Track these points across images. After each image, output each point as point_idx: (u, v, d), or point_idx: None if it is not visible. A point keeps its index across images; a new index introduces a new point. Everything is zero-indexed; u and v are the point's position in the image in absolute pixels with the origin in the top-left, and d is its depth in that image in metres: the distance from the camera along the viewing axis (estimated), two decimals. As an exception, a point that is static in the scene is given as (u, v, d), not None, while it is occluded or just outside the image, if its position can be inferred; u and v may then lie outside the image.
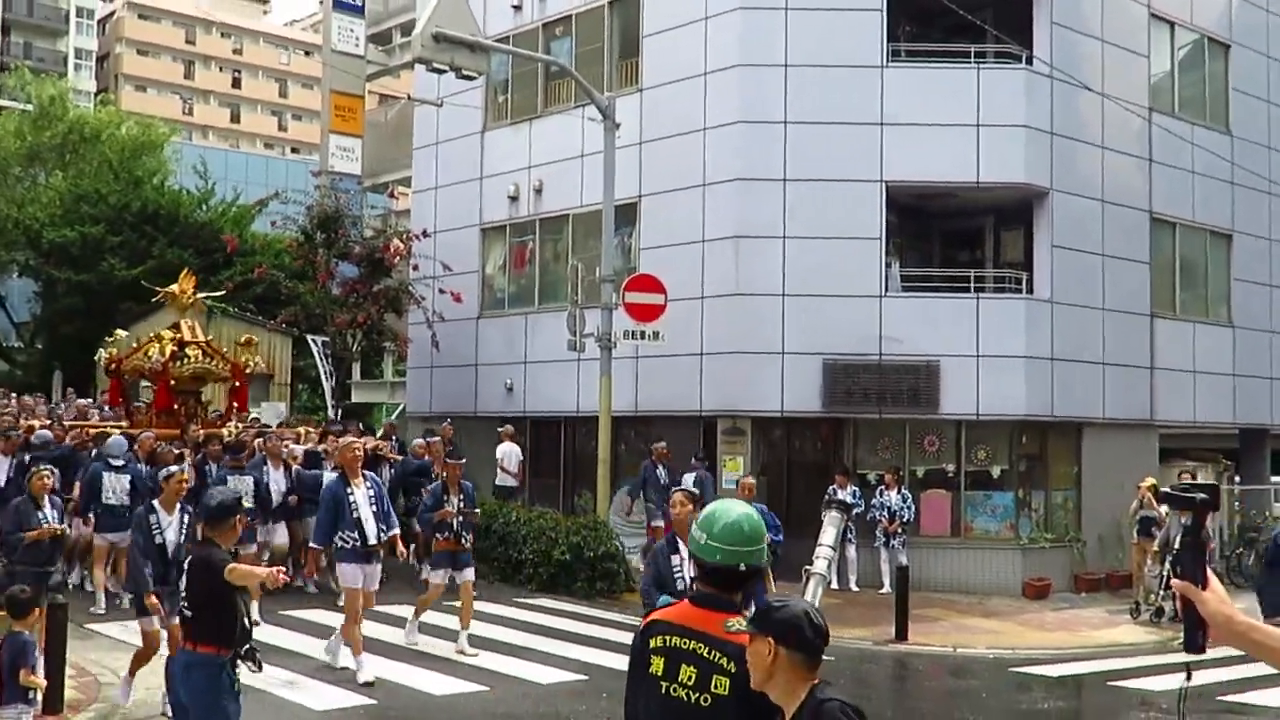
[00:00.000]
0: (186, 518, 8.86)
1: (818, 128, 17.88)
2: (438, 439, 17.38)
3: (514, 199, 21.80)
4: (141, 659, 9.24)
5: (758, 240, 17.95)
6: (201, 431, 16.17)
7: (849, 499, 16.07)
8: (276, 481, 14.76)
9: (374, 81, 32.44)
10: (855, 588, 16.98)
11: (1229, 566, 18.20)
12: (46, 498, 10.20)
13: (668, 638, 3.62)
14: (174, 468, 9.98)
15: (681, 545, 7.18)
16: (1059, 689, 12.11)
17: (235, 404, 18.27)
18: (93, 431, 15.90)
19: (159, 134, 38.46)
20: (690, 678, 3.52)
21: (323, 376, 22.79)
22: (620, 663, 11.79)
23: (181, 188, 35.23)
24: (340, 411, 23.23)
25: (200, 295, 18.50)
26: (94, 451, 14.41)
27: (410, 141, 24.99)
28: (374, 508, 10.62)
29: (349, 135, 27.11)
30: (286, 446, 15.64)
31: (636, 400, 18.66)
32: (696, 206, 18.56)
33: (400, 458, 17.11)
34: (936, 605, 16.08)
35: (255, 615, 9.19)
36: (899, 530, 16.88)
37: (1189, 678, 2.88)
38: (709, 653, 3.50)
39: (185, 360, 17.13)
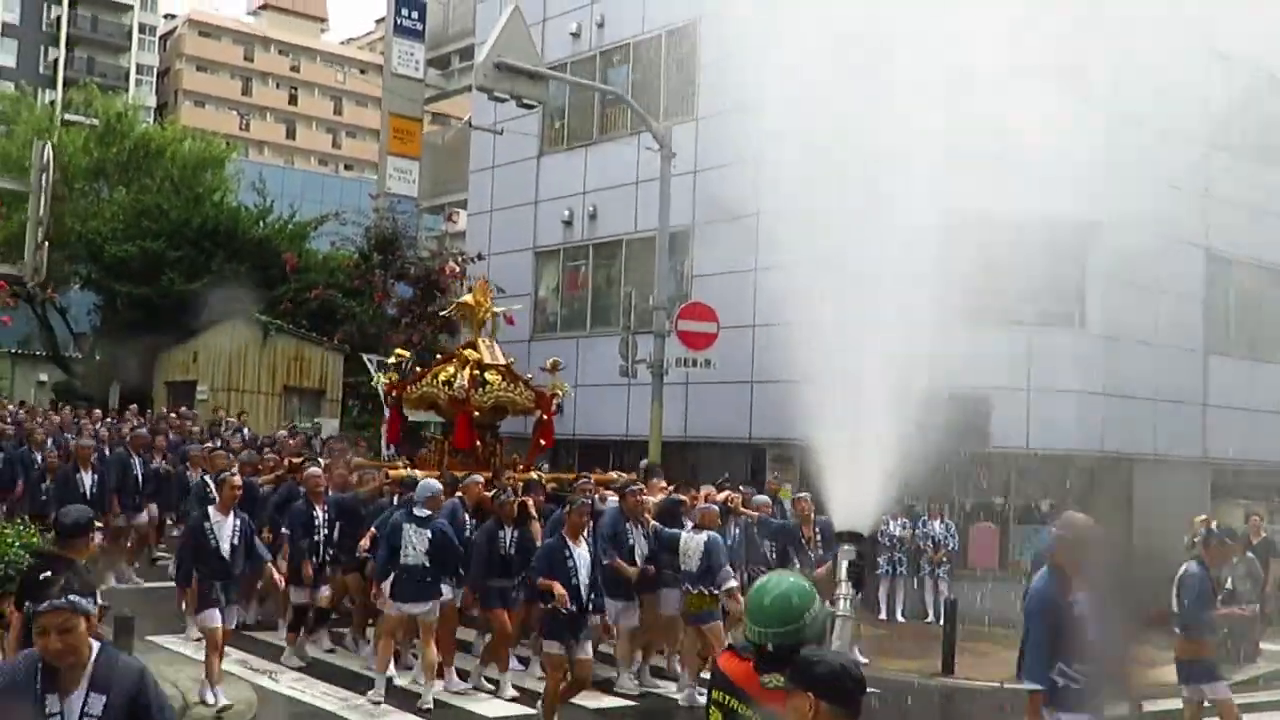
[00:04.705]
0: None
1: (875, 156, 17.90)
2: (806, 496, 12.95)
3: (568, 223, 22.08)
4: None
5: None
6: (518, 477, 13.15)
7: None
8: (639, 544, 11.71)
9: (430, 104, 32.91)
10: (902, 619, 16.98)
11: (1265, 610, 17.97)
12: None
13: (725, 696, 3.70)
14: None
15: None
16: (1107, 728, 12.06)
17: (542, 441, 15.35)
18: (393, 474, 13.14)
19: (220, 150, 39.13)
20: None
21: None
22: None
23: (240, 204, 35.83)
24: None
25: (499, 311, 15.78)
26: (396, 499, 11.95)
27: (466, 164, 25.37)
28: None
29: (407, 157, 27.57)
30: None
31: (686, 425, 18.78)
32: (750, 235, 18.64)
33: (756, 514, 13.42)
34: (985, 639, 16.01)
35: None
36: (943, 560, 16.88)
37: None
38: None
39: (486, 388, 14.31)
